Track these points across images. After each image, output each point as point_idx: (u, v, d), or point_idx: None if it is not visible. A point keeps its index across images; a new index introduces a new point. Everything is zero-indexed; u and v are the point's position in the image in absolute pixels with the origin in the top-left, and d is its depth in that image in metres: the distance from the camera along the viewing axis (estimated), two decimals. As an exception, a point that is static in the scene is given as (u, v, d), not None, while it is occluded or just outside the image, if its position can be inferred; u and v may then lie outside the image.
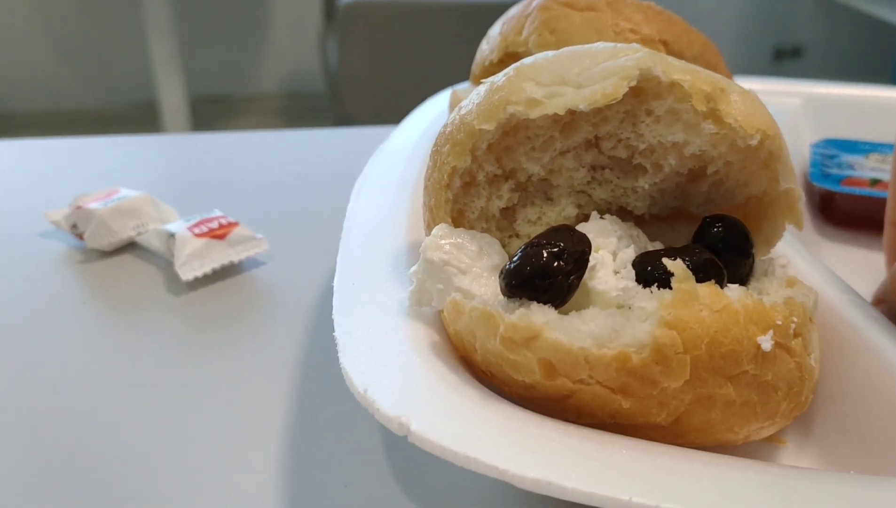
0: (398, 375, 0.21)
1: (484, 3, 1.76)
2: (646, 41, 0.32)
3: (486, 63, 0.36)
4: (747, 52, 2.33)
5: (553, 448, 0.19)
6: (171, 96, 2.02)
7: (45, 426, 0.29)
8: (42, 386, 0.31)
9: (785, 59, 2.36)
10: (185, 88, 1.99)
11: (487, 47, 0.36)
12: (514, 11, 0.35)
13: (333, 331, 0.23)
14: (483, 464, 0.18)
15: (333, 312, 0.23)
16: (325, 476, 0.26)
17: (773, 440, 0.26)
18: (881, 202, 0.38)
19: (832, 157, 0.43)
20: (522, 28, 0.34)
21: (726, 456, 0.20)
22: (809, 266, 0.30)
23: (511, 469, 0.17)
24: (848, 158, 0.42)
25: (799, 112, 0.45)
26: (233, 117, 2.42)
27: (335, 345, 0.22)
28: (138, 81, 2.22)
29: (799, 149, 0.43)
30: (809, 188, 0.41)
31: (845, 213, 0.40)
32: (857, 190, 0.39)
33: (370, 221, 0.30)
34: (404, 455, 0.27)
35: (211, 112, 2.36)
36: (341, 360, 0.21)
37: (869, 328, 0.26)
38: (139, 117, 2.30)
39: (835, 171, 0.41)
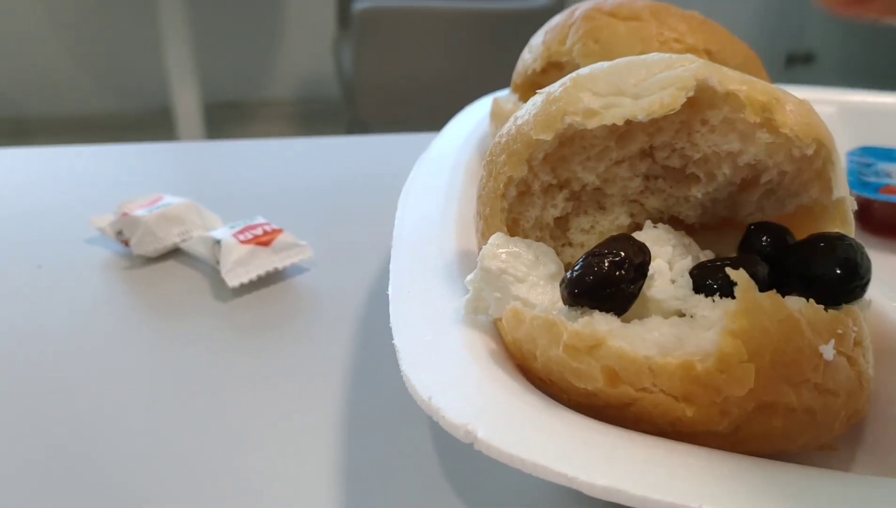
0: (460, 383, 0.21)
1: (499, 9, 1.77)
2: (690, 51, 0.33)
3: (529, 72, 0.36)
4: (761, 58, 2.33)
5: (620, 456, 0.19)
6: (186, 102, 2.03)
7: (94, 431, 0.29)
8: (90, 391, 0.31)
9: (797, 66, 2.36)
10: (200, 94, 2.01)
11: (530, 56, 0.36)
12: (556, 21, 0.36)
13: (383, 337, 0.23)
14: (552, 471, 0.18)
15: (391, 320, 0.24)
16: (375, 484, 0.27)
17: (823, 447, 0.27)
18: (920, 211, 0.38)
19: (868, 165, 0.43)
20: (566, 37, 0.34)
21: (793, 465, 0.20)
22: None
23: (580, 477, 0.18)
24: (884, 166, 0.43)
25: (834, 120, 0.45)
26: (247, 123, 2.43)
27: (382, 351, 0.22)
28: (153, 86, 2.24)
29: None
30: None
31: (884, 221, 0.40)
32: (895, 198, 0.39)
33: (419, 229, 0.30)
34: (459, 463, 0.27)
35: (225, 118, 2.37)
36: (403, 368, 0.21)
37: None
38: (154, 123, 2.32)
39: (872, 179, 0.41)
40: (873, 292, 0.29)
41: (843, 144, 0.45)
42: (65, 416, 0.30)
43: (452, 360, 0.22)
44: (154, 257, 0.41)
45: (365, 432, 0.29)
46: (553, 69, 0.36)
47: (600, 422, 0.20)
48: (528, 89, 0.37)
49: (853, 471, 0.26)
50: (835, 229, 0.27)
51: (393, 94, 1.83)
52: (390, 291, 0.26)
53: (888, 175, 0.42)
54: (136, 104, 2.38)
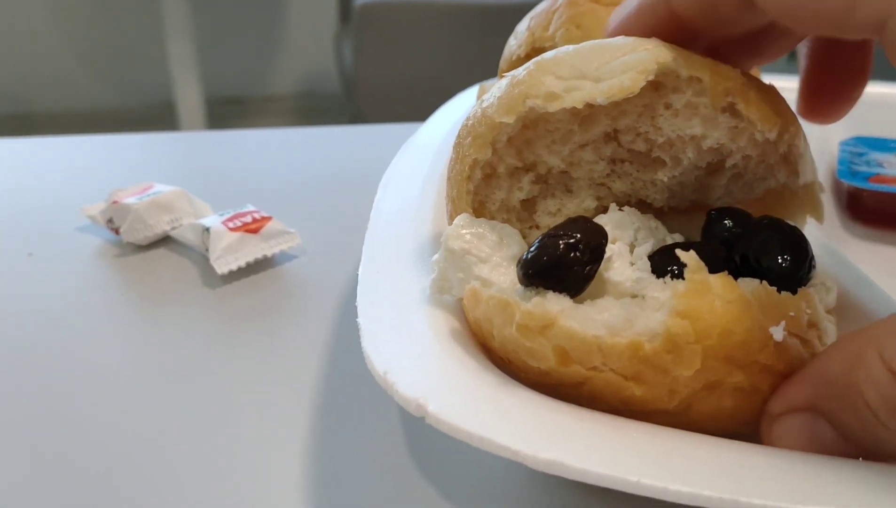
0: (418, 359, 0.22)
1: (499, 3, 1.77)
2: None
3: (514, 58, 0.36)
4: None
5: (566, 431, 0.19)
6: (188, 97, 2.04)
7: (83, 416, 0.29)
8: (80, 376, 0.32)
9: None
10: (202, 89, 2.01)
11: (515, 42, 0.36)
12: (541, 7, 0.36)
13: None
14: (497, 445, 0.18)
15: (357, 299, 0.24)
16: (347, 459, 0.27)
17: None
18: (910, 200, 0.38)
19: (861, 154, 0.43)
20: (550, 23, 0.34)
21: (736, 441, 0.20)
22: (836, 263, 0.30)
23: (524, 450, 0.18)
24: (877, 155, 0.43)
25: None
26: (249, 118, 2.44)
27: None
28: (155, 82, 2.24)
29: (827, 147, 0.43)
30: (837, 186, 0.42)
31: (873, 210, 0.40)
32: (884, 187, 0.39)
33: (396, 212, 0.31)
34: (424, 439, 0.28)
35: (227, 113, 2.38)
36: (363, 344, 0.22)
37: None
38: (156, 118, 2.32)
39: (863, 168, 0.41)
40: (850, 281, 0.29)
41: (838, 134, 0.45)
42: (55, 402, 0.30)
43: (413, 337, 0.23)
44: (144, 245, 0.41)
45: (341, 410, 0.29)
46: (537, 55, 0.36)
47: (552, 399, 0.21)
48: None
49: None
50: (805, 213, 0.27)
51: (393, 88, 1.83)
52: (360, 271, 0.26)
53: (879, 165, 0.42)
54: (139, 99, 2.39)
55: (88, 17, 2.30)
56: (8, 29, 2.26)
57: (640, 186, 0.27)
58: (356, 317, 0.22)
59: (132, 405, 0.30)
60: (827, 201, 0.39)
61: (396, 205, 0.31)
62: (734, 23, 0.24)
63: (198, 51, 1.97)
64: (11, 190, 0.49)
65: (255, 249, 0.39)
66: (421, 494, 0.25)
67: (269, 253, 0.39)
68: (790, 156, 0.25)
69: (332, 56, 2.11)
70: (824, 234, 0.37)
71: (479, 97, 0.38)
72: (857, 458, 0.19)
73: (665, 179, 0.26)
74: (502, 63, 0.38)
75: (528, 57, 0.35)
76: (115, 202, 0.41)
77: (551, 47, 0.34)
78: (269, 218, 0.40)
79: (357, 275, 0.38)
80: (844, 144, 0.44)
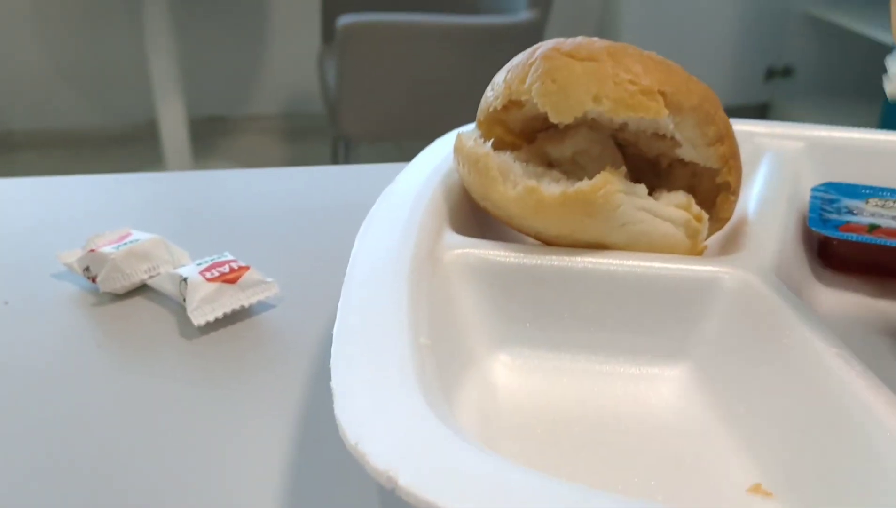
0: (391, 428, 0.22)
1: (481, 23, 1.78)
2: (645, 92, 0.34)
3: (491, 109, 0.37)
4: (741, 73, 2.36)
5: (537, 505, 0.19)
6: (171, 117, 2.03)
7: (60, 467, 0.29)
8: (55, 427, 0.32)
9: (776, 79, 2.39)
10: (185, 109, 2.01)
11: (492, 94, 0.37)
12: (518, 60, 0.37)
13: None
14: None
15: (331, 361, 0.24)
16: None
17: (759, 492, 0.27)
18: (878, 249, 0.39)
19: (832, 201, 0.43)
20: (526, 76, 0.35)
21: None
22: (799, 315, 0.30)
23: None
24: (847, 202, 0.43)
25: (802, 155, 0.46)
26: (232, 137, 2.43)
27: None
28: (138, 101, 2.24)
29: (799, 192, 0.44)
30: (808, 234, 0.42)
31: (843, 258, 0.41)
32: (854, 236, 0.40)
33: (373, 266, 0.31)
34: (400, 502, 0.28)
35: (211, 132, 2.37)
36: (336, 411, 0.22)
37: (852, 381, 0.27)
38: (139, 137, 2.31)
39: (834, 216, 0.42)
40: (812, 334, 0.29)
41: (810, 180, 0.46)
42: (28, 451, 0.30)
43: (389, 403, 0.23)
44: (121, 294, 0.41)
45: (316, 471, 0.29)
46: (514, 107, 0.36)
47: (531, 471, 0.21)
48: (490, 126, 0.38)
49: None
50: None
51: (376, 109, 1.84)
52: (335, 330, 0.26)
53: (850, 212, 0.42)
54: (121, 119, 2.38)
55: (70, 35, 2.29)
56: (-12, 48, 2.25)
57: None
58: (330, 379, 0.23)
59: (108, 454, 0.30)
60: (797, 248, 0.40)
61: (373, 259, 0.31)
62: None
63: (181, 70, 1.97)
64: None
65: (232, 299, 0.39)
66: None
67: (246, 303, 0.40)
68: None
69: (315, 76, 2.11)
70: (796, 280, 0.38)
71: (455, 146, 0.38)
72: None
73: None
74: (479, 113, 0.38)
75: (505, 108, 0.36)
76: (91, 250, 0.41)
77: (527, 100, 0.35)
78: (246, 268, 0.40)
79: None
80: (816, 190, 0.44)
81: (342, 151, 2.01)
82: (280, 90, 2.46)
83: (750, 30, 2.29)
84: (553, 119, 0.34)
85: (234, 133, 2.45)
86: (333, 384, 0.23)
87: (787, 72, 2.36)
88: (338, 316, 0.27)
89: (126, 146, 2.35)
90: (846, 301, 0.39)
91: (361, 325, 0.27)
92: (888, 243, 0.39)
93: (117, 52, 2.29)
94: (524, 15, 1.74)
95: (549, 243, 0.35)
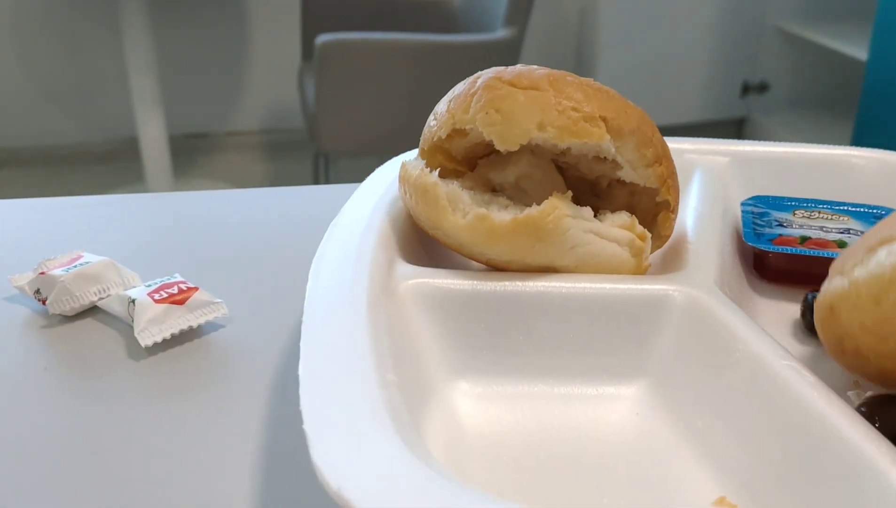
0: (372, 470, 0.22)
1: (459, 41, 1.80)
2: (587, 119, 0.34)
3: (435, 138, 0.37)
4: (717, 88, 2.39)
5: None
6: (152, 133, 2.04)
7: (6, 494, 0.30)
8: (3, 450, 0.32)
9: (752, 94, 2.42)
10: (166, 126, 2.01)
11: (435, 123, 0.38)
12: (459, 89, 0.37)
13: (293, 395, 0.23)
14: None
15: (301, 403, 0.24)
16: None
17: (724, 505, 0.28)
18: (810, 259, 0.40)
19: (762, 214, 0.45)
20: (469, 106, 0.36)
21: None
22: (747, 328, 0.32)
23: None
24: (776, 215, 0.45)
25: (728, 170, 0.48)
26: (213, 154, 2.44)
27: (296, 410, 0.23)
28: (119, 118, 2.24)
29: (731, 206, 0.45)
30: (743, 247, 0.44)
31: (778, 270, 0.42)
32: (788, 249, 0.41)
33: (329, 304, 0.31)
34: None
35: (192, 148, 2.37)
36: (313, 457, 0.22)
37: (806, 391, 0.28)
38: (120, 154, 2.31)
39: (766, 230, 0.43)
40: (757, 342, 0.30)
41: (738, 194, 0.47)
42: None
43: (364, 444, 0.23)
44: (71, 316, 0.42)
45: (274, 494, 0.30)
46: (457, 135, 0.37)
47: (506, 503, 0.21)
48: (433, 155, 0.38)
49: None
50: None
51: (354, 126, 1.85)
52: (300, 372, 0.26)
53: (780, 224, 0.44)
54: (102, 136, 2.38)
55: (50, 52, 2.29)
56: (-32, 66, 2.25)
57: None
58: (295, 396, 0.22)
59: (56, 477, 0.30)
60: (734, 261, 0.41)
61: (329, 296, 0.31)
62: None
63: (161, 87, 1.97)
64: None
65: (180, 320, 0.40)
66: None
67: (194, 324, 0.40)
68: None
69: (296, 92, 2.12)
70: (737, 293, 0.39)
71: (400, 175, 0.39)
72: None
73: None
74: (422, 142, 0.39)
75: (449, 137, 0.37)
76: (42, 273, 0.42)
77: (472, 129, 0.35)
78: (195, 289, 0.41)
79: (284, 347, 0.39)
80: (745, 204, 0.46)
81: (323, 166, 2.02)
82: (261, 107, 2.47)
83: (725, 45, 2.32)
84: (499, 147, 0.34)
85: (215, 150, 2.45)
86: (306, 427, 0.23)
87: (762, 87, 2.40)
88: (301, 357, 0.27)
89: (107, 163, 2.35)
90: (783, 310, 0.41)
91: (327, 365, 0.27)
92: (820, 254, 0.41)
93: (98, 69, 2.29)
94: (501, 32, 1.76)
95: (500, 268, 0.36)
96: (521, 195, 0.37)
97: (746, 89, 2.39)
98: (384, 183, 0.42)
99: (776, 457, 0.28)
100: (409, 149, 0.45)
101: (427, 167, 0.37)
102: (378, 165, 0.45)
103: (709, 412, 0.31)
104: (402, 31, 1.82)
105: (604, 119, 0.35)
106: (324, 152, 1.91)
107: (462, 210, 0.34)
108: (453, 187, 0.35)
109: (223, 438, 0.33)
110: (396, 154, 0.46)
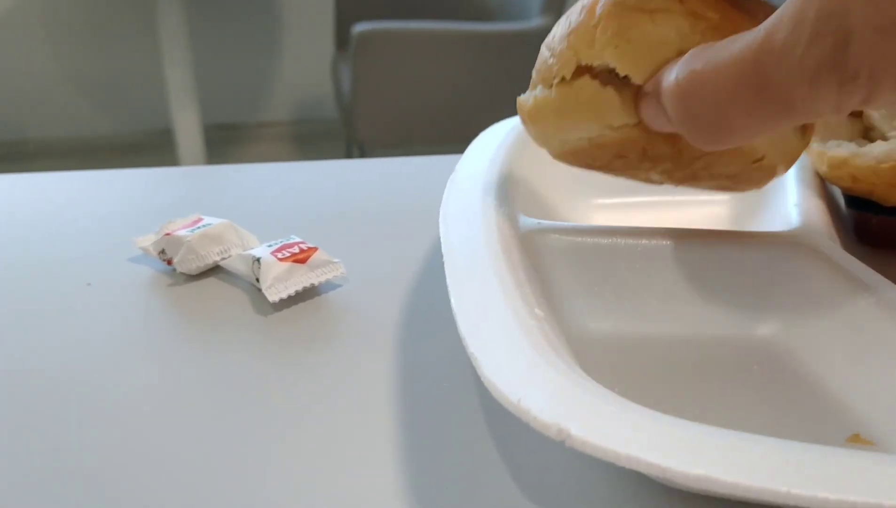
0: (543, 385, 0.23)
1: (495, 30, 1.81)
2: (716, 30, 0.31)
3: (557, 79, 0.33)
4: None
5: (707, 446, 0.20)
6: (186, 124, 2.06)
7: (141, 440, 0.31)
8: (140, 405, 0.34)
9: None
10: (200, 117, 2.04)
11: (554, 61, 0.33)
12: (575, 21, 0.33)
13: (415, 347, 0.25)
14: (647, 463, 0.19)
15: (461, 332, 0.26)
16: (436, 482, 0.29)
17: (858, 441, 0.29)
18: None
19: None
20: (594, 40, 0.32)
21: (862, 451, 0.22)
22: (866, 273, 0.33)
23: (673, 467, 0.19)
24: None
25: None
26: (247, 145, 2.46)
27: (415, 359, 0.24)
28: (153, 110, 2.27)
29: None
30: (844, 214, 0.45)
31: (881, 235, 0.43)
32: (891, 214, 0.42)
33: (465, 248, 0.33)
34: (521, 461, 0.30)
35: (225, 139, 2.40)
36: (485, 373, 0.23)
37: None
38: (154, 145, 2.34)
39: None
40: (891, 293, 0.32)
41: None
42: (112, 424, 0.32)
43: (527, 363, 0.24)
44: (195, 275, 0.44)
45: (418, 430, 0.32)
46: (583, 74, 0.33)
47: (681, 419, 0.22)
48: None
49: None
50: None
51: (390, 115, 1.86)
52: (454, 305, 0.28)
53: None
54: (136, 127, 2.41)
55: (85, 45, 2.32)
56: (3, 57, 2.28)
57: None
58: (417, 350, 0.23)
59: (188, 427, 0.32)
60: (833, 226, 0.42)
61: (463, 239, 0.33)
62: None
63: (195, 78, 2.00)
64: (65, 221, 0.51)
65: (303, 278, 0.42)
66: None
67: (316, 282, 0.42)
68: None
69: (329, 82, 2.14)
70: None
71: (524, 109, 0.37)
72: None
73: None
74: (536, 75, 0.35)
75: (575, 77, 0.32)
76: (167, 234, 0.44)
77: (601, 66, 0.32)
78: (315, 249, 0.43)
79: (401, 303, 0.41)
80: None
81: (356, 157, 2.04)
82: (294, 97, 2.49)
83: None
84: (636, 81, 0.31)
85: (248, 140, 2.48)
86: (472, 350, 0.24)
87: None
88: (451, 292, 0.28)
89: (141, 154, 2.38)
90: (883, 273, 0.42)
91: (477, 300, 0.28)
92: None
93: (132, 60, 2.32)
94: (537, 21, 1.77)
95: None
96: None
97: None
98: (494, 143, 0.43)
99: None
100: (445, 139, 0.45)
101: (545, 92, 0.33)
102: (412, 155, 0.46)
103: (842, 356, 0.33)
104: (437, 20, 1.83)
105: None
106: (359, 143, 1.92)
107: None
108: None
109: (355, 386, 0.35)
110: (431, 143, 0.48)
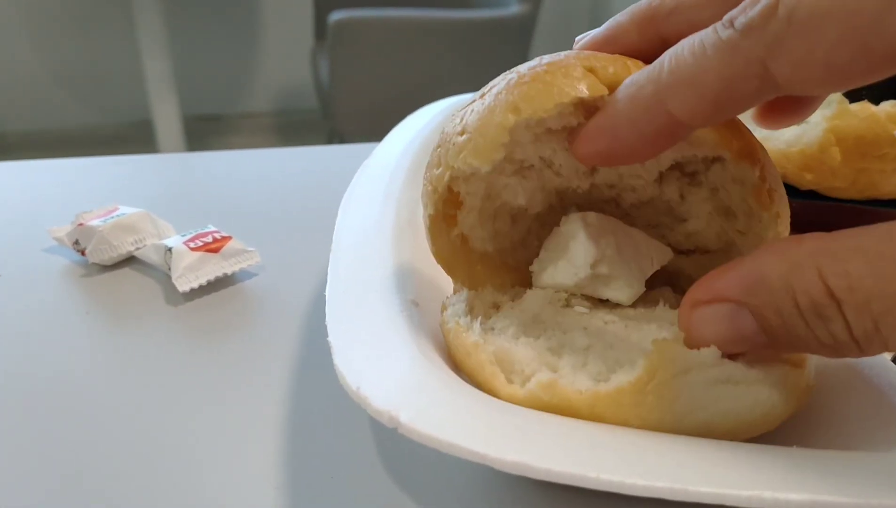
0: (388, 373, 0.23)
1: (473, 17, 1.80)
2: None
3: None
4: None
5: (531, 434, 0.20)
6: (166, 116, 2.05)
7: (51, 433, 0.31)
8: (47, 393, 0.33)
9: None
10: (179, 107, 2.02)
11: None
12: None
13: (326, 336, 0.24)
14: (465, 450, 0.19)
15: (326, 318, 0.26)
16: (317, 470, 0.29)
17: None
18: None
19: None
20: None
21: (691, 438, 0.21)
22: None
23: (490, 454, 0.19)
24: None
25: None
26: (227, 135, 2.45)
27: (326, 348, 0.24)
28: (133, 101, 2.25)
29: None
30: None
31: None
32: None
33: (357, 233, 0.32)
34: (393, 451, 0.29)
35: (205, 130, 2.39)
36: (336, 361, 0.23)
37: None
38: (134, 137, 2.33)
39: None
40: None
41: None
42: (20, 417, 0.32)
43: (382, 353, 0.24)
44: (109, 265, 0.43)
45: (307, 422, 0.31)
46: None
47: (521, 408, 0.22)
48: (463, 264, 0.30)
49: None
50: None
51: (370, 104, 1.85)
52: (328, 292, 0.28)
53: None
54: (116, 118, 2.40)
55: (64, 36, 2.30)
56: (-17, 50, 2.26)
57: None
58: (318, 334, 0.23)
59: (99, 418, 0.32)
60: None
61: (357, 226, 0.33)
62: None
63: (174, 69, 1.98)
64: (-20, 213, 0.50)
65: (215, 267, 0.41)
66: (394, 501, 0.27)
67: (228, 271, 0.41)
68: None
69: (308, 73, 2.13)
70: None
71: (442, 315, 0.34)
72: (766, 348, 0.21)
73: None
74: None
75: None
76: (80, 225, 0.43)
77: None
78: (229, 238, 0.42)
79: (316, 291, 0.40)
80: None
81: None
82: (273, 88, 2.47)
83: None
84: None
85: (229, 131, 2.46)
86: (331, 337, 0.24)
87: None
88: (329, 278, 0.28)
89: (121, 146, 2.37)
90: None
91: (352, 286, 0.28)
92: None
93: (111, 52, 2.31)
94: (515, 8, 1.76)
95: None
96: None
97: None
98: (414, 128, 0.43)
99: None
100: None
101: (465, 303, 0.28)
102: (358, 147, 0.45)
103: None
104: (415, 8, 1.82)
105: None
106: (339, 132, 1.91)
107: (520, 375, 0.24)
108: (502, 341, 0.25)
109: (258, 374, 0.34)
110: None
